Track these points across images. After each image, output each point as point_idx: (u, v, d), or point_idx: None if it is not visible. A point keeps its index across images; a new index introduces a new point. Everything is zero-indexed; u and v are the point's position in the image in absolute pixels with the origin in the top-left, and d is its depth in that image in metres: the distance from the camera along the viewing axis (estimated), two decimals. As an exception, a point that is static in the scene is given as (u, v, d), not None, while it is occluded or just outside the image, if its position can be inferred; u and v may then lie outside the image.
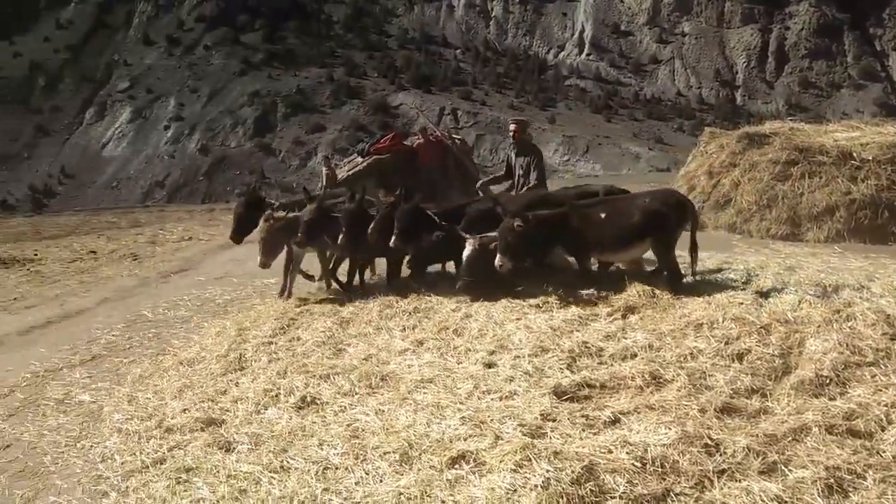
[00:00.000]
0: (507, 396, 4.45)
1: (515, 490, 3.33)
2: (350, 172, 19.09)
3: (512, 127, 8.85)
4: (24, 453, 4.64)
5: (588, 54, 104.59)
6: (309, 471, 3.81)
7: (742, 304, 5.63)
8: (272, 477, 3.80)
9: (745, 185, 11.09)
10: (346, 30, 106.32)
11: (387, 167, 18.33)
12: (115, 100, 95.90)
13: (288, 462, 3.93)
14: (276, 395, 4.88)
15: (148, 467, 4.16)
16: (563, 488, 3.29)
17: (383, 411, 4.42)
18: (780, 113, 68.36)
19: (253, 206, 7.99)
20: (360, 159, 19.28)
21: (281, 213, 7.37)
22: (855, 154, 10.65)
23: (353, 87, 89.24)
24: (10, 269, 12.50)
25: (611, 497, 3.31)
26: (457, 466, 3.63)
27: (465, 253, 6.44)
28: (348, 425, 4.27)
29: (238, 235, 8.00)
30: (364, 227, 6.86)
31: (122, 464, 4.27)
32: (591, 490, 3.32)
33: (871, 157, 10.51)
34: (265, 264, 7.20)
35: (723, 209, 11.19)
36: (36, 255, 14.49)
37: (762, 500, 3.29)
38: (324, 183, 19.44)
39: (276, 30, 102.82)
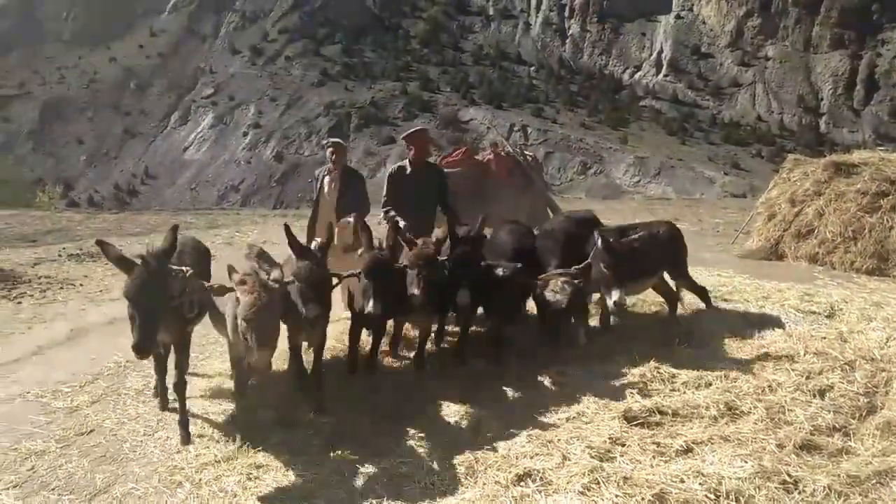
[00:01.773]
0: (574, 417, 4.40)
1: (583, 512, 3.28)
2: (421, 184, 19.38)
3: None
4: (105, 439, 4.86)
5: (665, 75, 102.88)
6: (375, 477, 3.85)
7: (825, 338, 5.40)
8: (339, 480, 3.86)
9: (830, 216, 10.63)
10: (422, 45, 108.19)
11: (458, 180, 18.60)
12: (199, 105, 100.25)
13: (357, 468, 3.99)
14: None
15: (220, 461, 4.29)
16: (632, 514, 3.22)
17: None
18: (867, 142, 65.46)
19: None
20: (431, 172, 19.59)
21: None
22: (953, 187, 10.08)
23: (426, 101, 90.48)
24: (98, 262, 13.14)
25: (682, 529, 3.22)
26: (522, 484, 3.60)
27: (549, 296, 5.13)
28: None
29: None
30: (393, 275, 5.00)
31: (197, 456, 4.41)
32: (661, 519, 3.24)
33: (970, 189, 9.92)
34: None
35: (804, 239, 10.75)
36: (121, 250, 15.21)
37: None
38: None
39: (354, 43, 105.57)
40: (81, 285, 10.82)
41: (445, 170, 20.75)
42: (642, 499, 3.33)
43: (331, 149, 7.12)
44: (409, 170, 6.85)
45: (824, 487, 3.53)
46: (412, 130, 7.12)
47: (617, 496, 3.35)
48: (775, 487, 3.49)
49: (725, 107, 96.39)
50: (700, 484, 3.49)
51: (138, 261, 4.16)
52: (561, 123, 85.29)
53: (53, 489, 4.16)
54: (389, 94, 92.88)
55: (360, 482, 3.83)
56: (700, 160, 76.23)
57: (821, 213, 10.81)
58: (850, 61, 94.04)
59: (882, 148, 13.57)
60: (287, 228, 4.96)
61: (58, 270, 12.07)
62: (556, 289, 5.08)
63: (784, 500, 3.43)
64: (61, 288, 10.57)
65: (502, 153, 20.66)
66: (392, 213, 6.66)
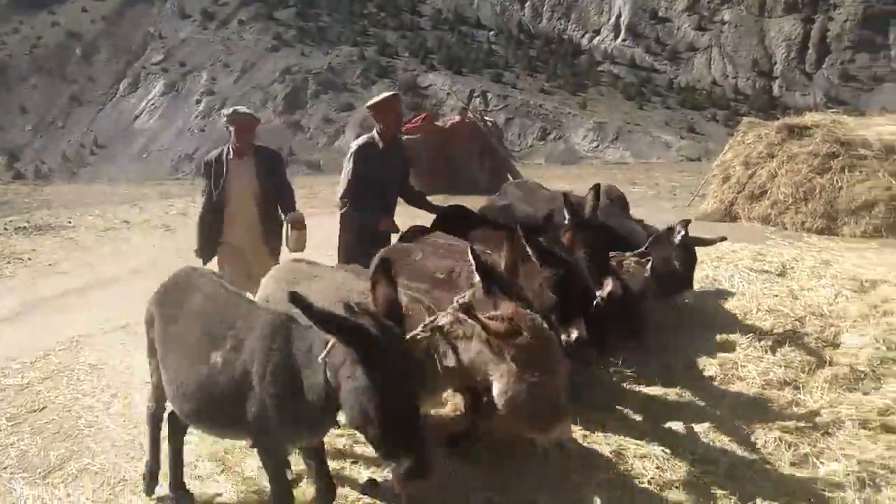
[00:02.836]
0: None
1: None
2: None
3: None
4: (58, 416, 4.74)
5: (624, 40, 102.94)
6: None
7: (777, 296, 5.54)
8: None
9: (782, 177, 10.86)
10: (379, 8, 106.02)
11: (418, 146, 18.41)
12: (149, 72, 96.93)
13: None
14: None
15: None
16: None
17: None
18: (818, 106, 66.84)
19: None
20: (390, 138, 19.37)
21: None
22: (899, 149, 10.37)
23: (384, 67, 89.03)
24: (45, 235, 12.73)
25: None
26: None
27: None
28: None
29: None
30: None
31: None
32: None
33: (916, 153, 10.23)
34: None
35: (758, 200, 10.99)
36: (70, 222, 14.73)
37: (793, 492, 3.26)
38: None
39: (309, 6, 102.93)
40: (29, 259, 10.50)
41: (406, 136, 20.65)
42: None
43: (235, 125, 5.33)
44: (380, 145, 5.46)
45: (775, 439, 3.65)
46: (383, 97, 5.59)
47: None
48: (728, 441, 3.60)
49: (682, 71, 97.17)
50: (659, 441, 3.57)
51: (374, 328, 2.42)
52: (520, 89, 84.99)
53: (6, 468, 4.07)
54: (347, 59, 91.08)
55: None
56: (657, 124, 77.04)
57: (773, 175, 11.03)
58: (802, 25, 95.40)
59: (833, 111, 13.89)
60: (475, 254, 3.32)
61: (4, 244, 11.67)
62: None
63: (736, 451, 3.53)
64: (8, 262, 10.24)
65: (467, 119, 20.63)
66: (372, 213, 5.31)
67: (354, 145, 5.58)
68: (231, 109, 5.59)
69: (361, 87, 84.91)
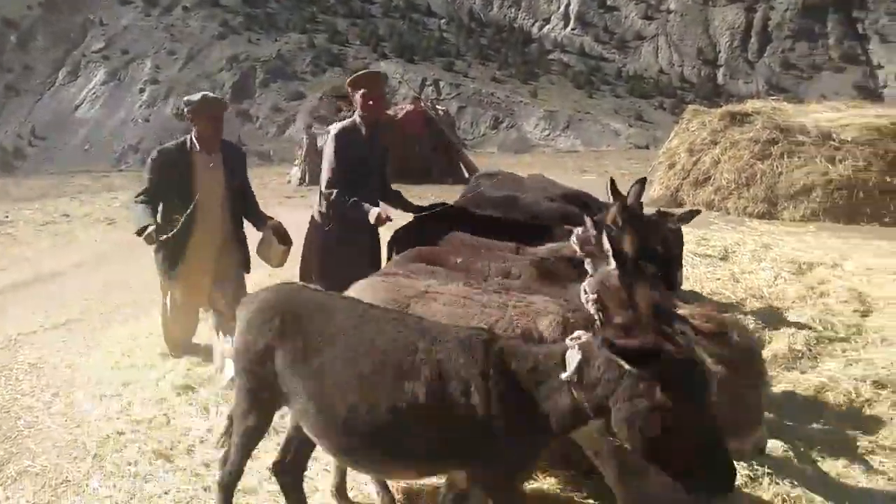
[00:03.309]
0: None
1: None
2: (330, 141, 18.96)
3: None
4: (-4, 416, 4.58)
5: (573, 28, 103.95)
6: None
7: (719, 279, 5.71)
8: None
9: (725, 164, 11.17)
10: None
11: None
12: (90, 60, 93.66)
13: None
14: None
15: (124, 433, 4.13)
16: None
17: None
18: (761, 93, 68.74)
19: None
20: (340, 128, 19.15)
21: None
22: (834, 135, 10.76)
23: (335, 55, 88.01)
24: (-20, 230, 12.23)
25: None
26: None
27: None
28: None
29: None
30: None
31: (99, 429, 4.23)
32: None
33: (849, 139, 10.63)
34: None
35: (702, 186, 11.28)
36: (7, 217, 14.18)
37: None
38: (303, 152, 19.34)
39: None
40: (-37, 256, 10.06)
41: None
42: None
43: (203, 112, 4.62)
44: (362, 131, 4.78)
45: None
46: (364, 72, 4.98)
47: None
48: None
49: (630, 60, 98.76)
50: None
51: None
52: (472, 77, 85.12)
53: (-60, 473, 3.90)
54: (296, 46, 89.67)
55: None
56: (606, 113, 78.19)
57: (717, 161, 11.34)
58: (745, 14, 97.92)
59: (773, 98, 14.31)
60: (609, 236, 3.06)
61: (-65, 241, 11.16)
62: None
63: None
64: (-59, 259, 9.80)
65: (419, 108, 20.51)
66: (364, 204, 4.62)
67: (334, 129, 4.89)
68: (200, 95, 4.69)
69: (311, 75, 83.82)
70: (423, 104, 21.32)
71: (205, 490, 3.45)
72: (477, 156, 38.58)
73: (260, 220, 4.89)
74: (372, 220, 4.52)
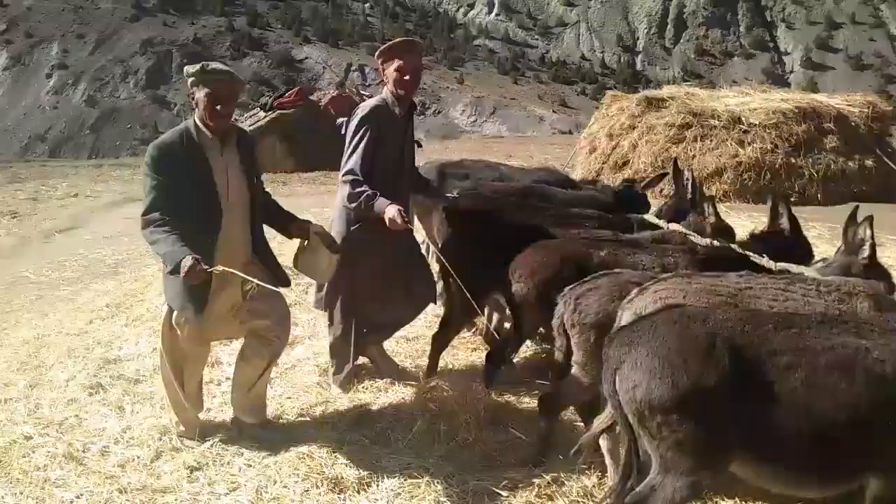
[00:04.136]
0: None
1: None
2: (252, 127, 18.43)
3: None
4: None
5: (497, 14, 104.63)
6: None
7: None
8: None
9: (643, 147, 11.49)
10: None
11: (291, 123, 17.85)
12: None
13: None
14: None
15: (32, 437, 3.93)
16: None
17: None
18: (677, 79, 71.15)
19: None
20: (262, 114, 18.64)
21: None
22: (743, 119, 11.24)
23: (256, 39, 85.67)
24: None
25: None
26: None
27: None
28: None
29: None
30: None
31: (3, 434, 4.00)
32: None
33: (757, 122, 11.12)
34: None
35: (621, 170, 11.56)
36: None
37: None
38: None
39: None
40: None
41: (279, 111, 19.83)
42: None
43: (213, 86, 3.29)
44: (397, 111, 3.91)
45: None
46: (400, 41, 4.10)
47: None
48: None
49: (553, 46, 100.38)
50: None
51: None
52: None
53: None
54: (214, 30, 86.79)
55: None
56: (531, 99, 79.27)
57: (635, 145, 11.65)
58: (661, 2, 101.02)
59: (688, 83, 14.81)
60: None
61: None
62: None
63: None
64: None
65: (344, 94, 20.20)
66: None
67: (363, 109, 3.89)
68: (204, 65, 3.39)
69: (231, 59, 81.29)
70: (348, 90, 21.04)
71: (120, 492, 3.32)
72: (404, 142, 38.46)
73: (291, 225, 3.64)
74: (386, 220, 3.66)
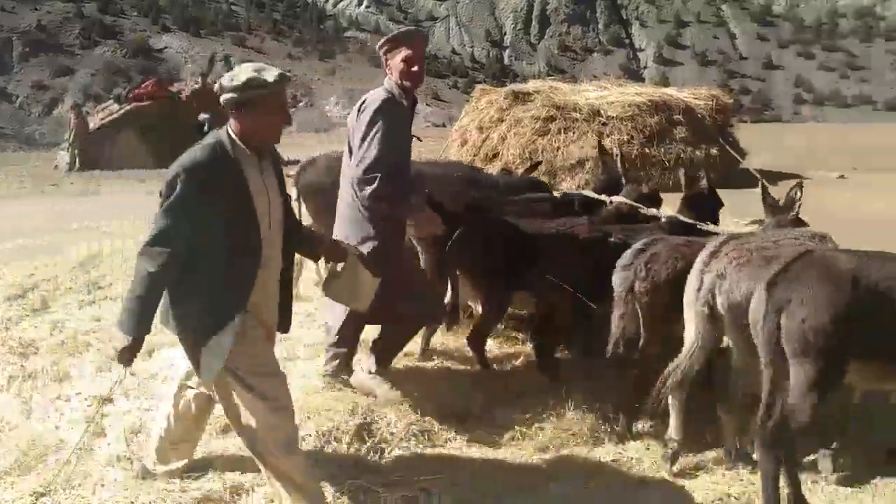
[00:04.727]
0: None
1: None
2: (105, 121, 17.21)
3: None
4: None
5: (367, 6, 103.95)
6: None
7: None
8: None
9: (511, 140, 11.83)
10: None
11: (149, 116, 16.83)
12: None
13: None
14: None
15: None
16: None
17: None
18: (542, 73, 74.04)
19: None
20: (116, 106, 17.47)
21: None
22: (602, 112, 11.86)
23: (108, 26, 79.77)
24: None
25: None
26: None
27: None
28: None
29: None
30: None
31: None
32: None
33: (615, 115, 11.78)
34: None
35: (492, 162, 11.84)
36: None
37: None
38: (72, 133, 17.30)
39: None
40: None
41: (134, 103, 18.69)
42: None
43: (277, 91, 2.66)
44: (405, 103, 3.67)
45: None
46: (406, 31, 3.78)
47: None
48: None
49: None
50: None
51: None
52: (266, 54, 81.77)
53: None
54: (61, 16, 79.87)
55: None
56: (405, 91, 79.35)
57: (503, 137, 11.98)
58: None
59: (552, 78, 15.42)
60: None
61: None
62: None
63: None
64: None
65: (208, 86, 19.24)
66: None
67: (376, 101, 3.58)
68: (274, 71, 2.65)
69: (81, 48, 75.29)
70: (210, 81, 20.12)
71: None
72: (274, 136, 37.24)
73: (320, 247, 3.12)
74: (416, 224, 3.65)
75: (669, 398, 3.09)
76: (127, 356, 2.56)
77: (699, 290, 3.03)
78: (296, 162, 18.16)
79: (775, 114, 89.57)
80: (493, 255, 3.84)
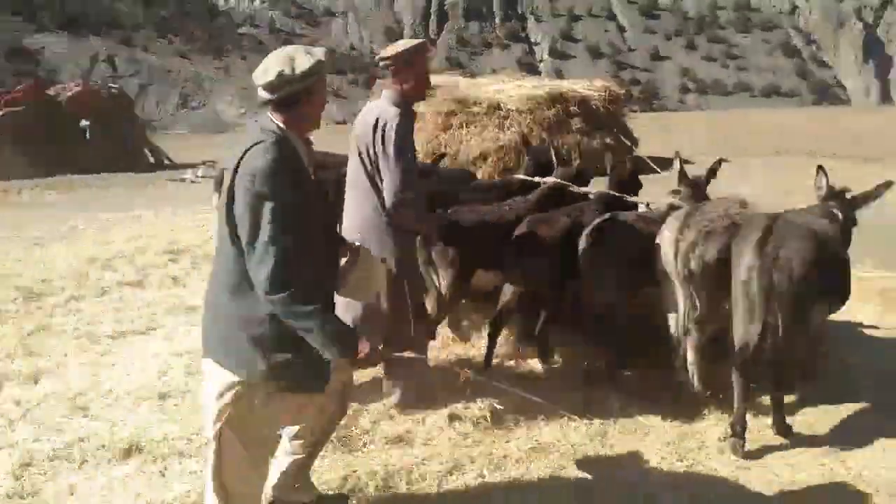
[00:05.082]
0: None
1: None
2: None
3: None
4: None
5: (263, 2, 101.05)
6: None
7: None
8: None
9: (416, 135, 11.78)
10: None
11: (25, 121, 15.71)
12: None
13: None
14: None
15: None
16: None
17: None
18: (442, 68, 74.46)
19: None
20: (-13, 112, 16.15)
21: None
22: (502, 105, 12.00)
23: (-26, 25, 73.75)
24: None
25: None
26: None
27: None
28: None
29: None
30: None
31: None
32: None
33: (514, 108, 11.94)
34: None
35: (396, 158, 11.82)
36: None
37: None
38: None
39: None
40: None
41: (9, 109, 17.39)
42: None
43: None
44: (411, 117, 3.56)
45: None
46: (414, 43, 3.54)
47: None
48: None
49: (321, 35, 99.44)
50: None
51: None
52: (154, 53, 78.15)
53: None
54: (-84, 15, 73.23)
55: None
56: (304, 89, 77.88)
57: (407, 133, 11.94)
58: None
59: (451, 72, 15.49)
60: None
61: None
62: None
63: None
64: None
65: (90, 87, 18.17)
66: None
67: (395, 117, 3.40)
68: (306, 52, 2.40)
69: (-57, 50, 69.26)
70: (92, 83, 19.01)
71: None
72: (167, 137, 35.77)
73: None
74: (423, 232, 3.74)
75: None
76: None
77: (676, 255, 3.54)
78: (213, 162, 17.36)
79: (662, 103, 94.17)
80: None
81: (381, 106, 3.52)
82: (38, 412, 3.63)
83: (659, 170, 4.37)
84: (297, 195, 2.22)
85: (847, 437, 3.35)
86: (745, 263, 3.27)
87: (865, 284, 5.31)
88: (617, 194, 4.44)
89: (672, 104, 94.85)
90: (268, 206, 2.13)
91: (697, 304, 3.54)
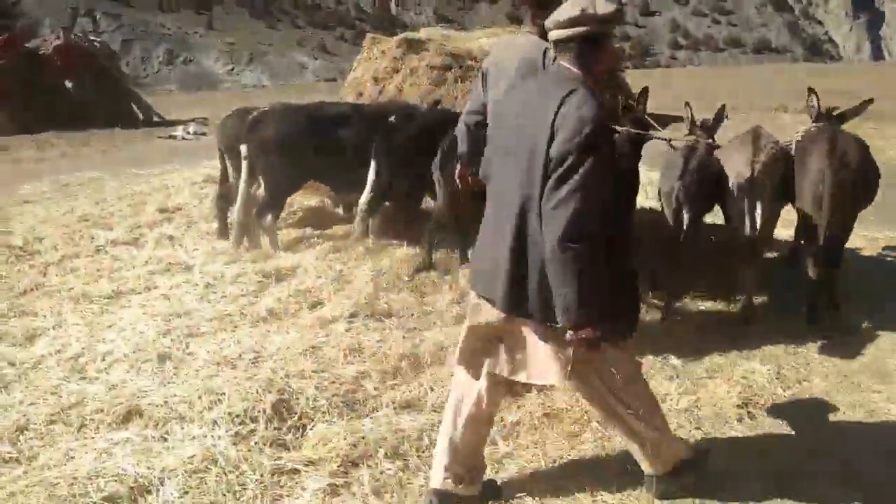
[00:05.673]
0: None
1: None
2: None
3: None
4: None
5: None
6: None
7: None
8: None
9: (408, 90, 11.49)
10: None
11: (4, 76, 15.23)
12: None
13: None
14: None
15: None
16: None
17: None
18: (430, 23, 73.14)
19: None
20: (-36, 67, 15.64)
21: None
22: (497, 59, 11.75)
23: (-54, -22, 71.30)
24: None
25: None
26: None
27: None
28: None
29: None
30: None
31: None
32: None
33: (509, 62, 11.71)
34: None
35: (389, 114, 11.57)
36: None
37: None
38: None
39: None
40: None
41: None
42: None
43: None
44: None
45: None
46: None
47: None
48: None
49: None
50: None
51: None
52: (136, 7, 76.02)
53: None
54: None
55: None
56: (290, 45, 76.37)
57: (400, 88, 11.59)
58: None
59: (443, 26, 15.11)
60: None
61: None
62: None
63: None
64: None
65: (72, 40, 17.60)
66: None
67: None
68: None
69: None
70: (73, 36, 18.41)
71: None
72: (154, 94, 34.96)
73: None
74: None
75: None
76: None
77: (753, 174, 4.04)
78: (204, 119, 16.90)
79: (654, 59, 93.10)
80: None
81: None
82: (33, 374, 3.50)
83: (659, 127, 4.26)
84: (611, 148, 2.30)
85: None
86: (815, 166, 3.94)
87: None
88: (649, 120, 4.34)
89: (664, 60, 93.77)
90: (593, 157, 2.10)
91: (763, 212, 4.09)
